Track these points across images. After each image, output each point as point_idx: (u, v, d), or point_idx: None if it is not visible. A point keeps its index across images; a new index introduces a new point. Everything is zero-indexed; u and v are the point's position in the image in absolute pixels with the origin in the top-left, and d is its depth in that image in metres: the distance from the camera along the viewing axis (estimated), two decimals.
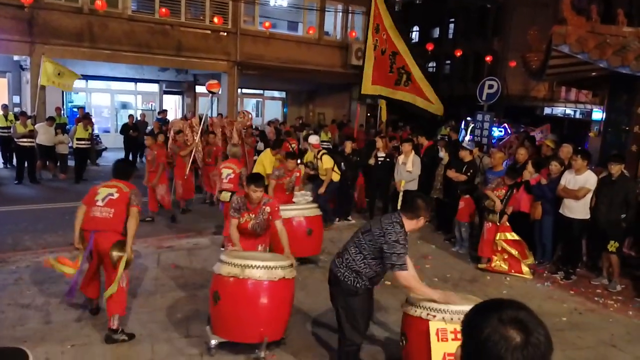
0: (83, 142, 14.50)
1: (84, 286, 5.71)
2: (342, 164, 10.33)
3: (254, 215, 5.75)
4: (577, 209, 7.73)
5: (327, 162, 10.05)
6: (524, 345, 1.32)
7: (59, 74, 15.62)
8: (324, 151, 10.37)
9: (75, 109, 19.20)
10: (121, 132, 17.15)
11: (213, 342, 4.90)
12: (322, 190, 9.81)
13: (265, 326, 4.79)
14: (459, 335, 4.22)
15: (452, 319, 4.06)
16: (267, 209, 5.75)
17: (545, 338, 1.36)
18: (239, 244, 5.61)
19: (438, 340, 4.06)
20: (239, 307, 4.71)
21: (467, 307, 4.41)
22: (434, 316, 4.11)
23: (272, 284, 4.75)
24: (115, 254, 5.18)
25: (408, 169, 9.74)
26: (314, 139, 10.87)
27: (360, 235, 4.42)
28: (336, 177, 10.04)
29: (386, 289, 6.61)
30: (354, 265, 4.36)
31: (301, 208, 7.78)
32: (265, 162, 9.99)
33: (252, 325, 4.75)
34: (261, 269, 4.71)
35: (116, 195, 5.46)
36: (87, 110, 19.06)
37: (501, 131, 19.80)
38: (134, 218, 5.40)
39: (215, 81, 12.25)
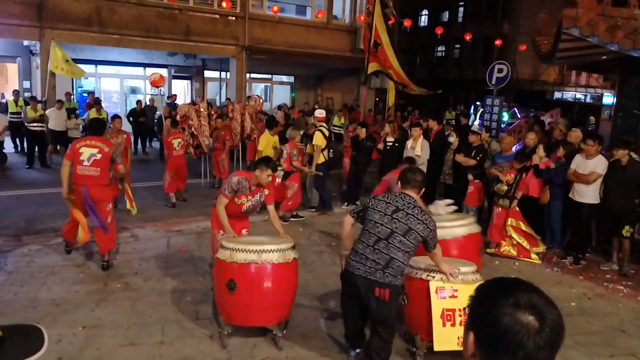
0: None
1: (67, 231, 6.81)
2: (331, 151, 10.18)
3: (251, 197, 5.70)
4: (587, 194, 7.69)
5: (318, 139, 10.00)
6: (541, 329, 1.33)
7: (67, 61, 15.66)
8: (322, 128, 10.25)
9: (85, 94, 19.25)
10: (128, 117, 17.16)
11: (228, 330, 4.97)
12: (312, 169, 9.89)
13: (282, 307, 4.93)
14: (456, 293, 4.51)
15: (449, 279, 4.58)
16: (266, 191, 5.75)
17: (558, 317, 1.36)
18: (230, 228, 5.51)
19: (437, 298, 4.56)
20: (260, 292, 4.76)
21: (462, 269, 4.65)
22: (433, 277, 4.62)
23: (287, 266, 4.87)
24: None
25: (417, 153, 9.72)
26: (319, 112, 10.85)
27: (403, 239, 4.19)
28: (321, 159, 9.97)
29: None
30: (404, 268, 4.33)
31: (459, 224, 6.20)
32: (264, 143, 9.97)
33: (272, 308, 4.85)
34: (276, 252, 4.79)
35: (99, 156, 6.49)
36: (96, 95, 19.10)
37: (511, 115, 19.69)
38: (122, 170, 6.81)
39: (158, 75, 12.29)
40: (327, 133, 10.11)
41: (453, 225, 6.14)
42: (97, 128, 7.00)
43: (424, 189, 4.53)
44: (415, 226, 4.21)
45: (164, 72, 22.88)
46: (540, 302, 1.36)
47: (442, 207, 6.71)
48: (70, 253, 7.07)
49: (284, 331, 5.00)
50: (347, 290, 4.49)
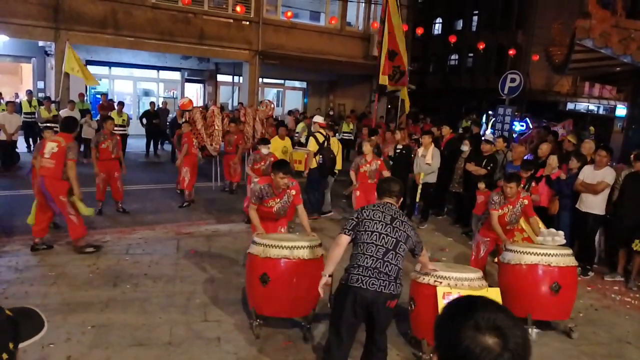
0: (118, 129, 14.53)
1: (38, 231, 7.24)
2: (322, 157, 10.14)
3: (279, 200, 5.92)
4: (594, 204, 7.67)
5: (311, 144, 10.16)
6: (503, 351, 1.28)
7: (81, 65, 15.81)
8: (317, 134, 10.30)
9: (98, 95, 19.39)
10: (140, 119, 17.27)
11: (259, 321, 5.17)
12: (305, 172, 10.10)
13: (312, 300, 5.16)
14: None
15: (456, 284, 4.74)
16: (293, 192, 5.89)
17: (523, 340, 1.31)
18: (261, 227, 5.69)
19: (444, 303, 4.32)
20: (292, 286, 5.03)
21: (469, 275, 4.75)
22: (440, 282, 4.76)
23: (316, 261, 5.10)
24: (71, 199, 7.07)
25: (427, 161, 9.72)
26: (318, 118, 10.95)
27: (405, 247, 4.15)
28: (313, 164, 10.03)
29: None
30: (399, 273, 4.15)
31: (550, 253, 5.60)
32: (273, 147, 10.01)
33: (303, 301, 5.11)
34: (306, 248, 5.08)
35: (56, 150, 7.00)
36: (110, 97, 19.24)
37: (522, 125, 19.62)
38: (70, 169, 7.02)
39: (187, 99, 12.65)
40: (321, 139, 10.16)
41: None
42: (65, 124, 7.70)
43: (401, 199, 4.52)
44: (410, 233, 4.19)
45: (177, 75, 23.06)
46: (504, 323, 1.31)
47: (551, 237, 6.21)
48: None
49: (311, 324, 5.23)
50: (353, 309, 4.06)
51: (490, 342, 1.28)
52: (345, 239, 4.20)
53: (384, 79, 13.86)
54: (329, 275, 4.33)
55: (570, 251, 5.78)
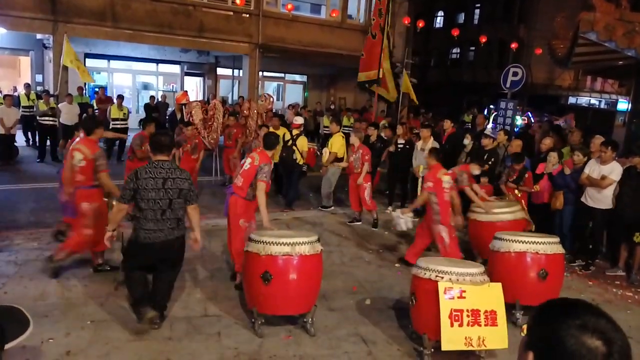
0: (119, 123, 14.52)
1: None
2: (284, 154, 10.30)
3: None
4: (601, 199, 7.63)
5: (303, 144, 10.46)
6: (609, 355, 1.28)
7: (76, 60, 15.68)
8: (288, 132, 10.56)
9: (97, 89, 19.31)
10: (145, 111, 17.23)
11: (261, 321, 5.12)
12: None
13: (314, 295, 5.24)
14: (464, 294, 4.58)
15: (457, 279, 4.68)
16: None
17: (627, 345, 1.31)
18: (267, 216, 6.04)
19: (446, 298, 4.63)
20: (294, 282, 5.01)
21: (470, 270, 4.73)
22: (442, 277, 4.70)
23: (316, 256, 5.15)
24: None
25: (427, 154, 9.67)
26: (297, 119, 11.02)
27: (176, 200, 5.00)
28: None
29: (390, 269, 6.62)
30: (180, 220, 5.15)
31: (538, 241, 5.78)
32: None
33: (305, 297, 5.12)
34: (307, 244, 5.05)
35: (84, 163, 6.20)
36: (108, 91, 19.17)
37: (524, 119, 19.56)
38: (104, 180, 6.25)
39: (182, 92, 12.56)
40: (287, 137, 10.35)
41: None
42: (85, 126, 6.73)
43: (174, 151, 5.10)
44: (183, 185, 5.00)
45: (176, 68, 22.98)
46: (607, 327, 1.32)
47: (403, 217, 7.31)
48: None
49: (313, 318, 5.22)
50: (145, 259, 5.07)
51: (597, 344, 1.29)
52: (123, 207, 5.02)
53: (359, 77, 13.96)
54: (113, 230, 5.10)
55: (557, 239, 5.93)
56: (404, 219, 7.35)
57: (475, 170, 7.46)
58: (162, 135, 5.35)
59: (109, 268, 6.41)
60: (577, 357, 1.28)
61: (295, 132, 10.54)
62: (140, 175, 4.85)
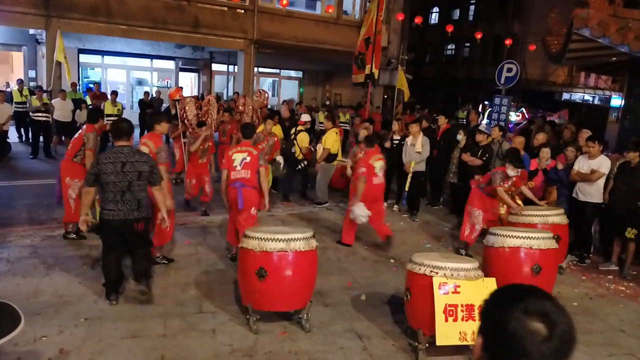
0: (113, 119, 14.39)
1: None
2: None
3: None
4: (592, 193, 7.69)
5: (303, 140, 10.47)
6: (550, 337, 1.29)
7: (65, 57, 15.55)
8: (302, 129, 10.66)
9: (91, 85, 19.21)
10: (140, 107, 17.18)
11: (256, 317, 5.12)
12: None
13: (309, 291, 5.23)
14: (459, 289, 4.58)
15: (452, 275, 4.71)
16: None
17: (569, 328, 1.32)
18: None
19: (440, 293, 4.66)
20: (290, 278, 5.01)
21: (465, 265, 4.75)
22: (437, 273, 4.72)
23: (312, 252, 5.16)
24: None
25: (417, 149, 9.66)
26: (304, 117, 11.15)
27: (136, 182, 5.34)
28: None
29: (385, 265, 6.62)
30: (141, 202, 5.44)
31: (532, 236, 5.77)
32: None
33: (300, 293, 5.12)
34: (302, 240, 5.05)
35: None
36: (101, 87, 19.07)
37: (518, 115, 19.59)
38: (162, 172, 6.27)
39: (175, 88, 12.56)
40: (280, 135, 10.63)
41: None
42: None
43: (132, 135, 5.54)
44: (143, 168, 5.36)
45: (171, 64, 22.90)
46: (552, 310, 1.33)
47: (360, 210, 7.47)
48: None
49: (308, 314, 5.22)
50: (111, 233, 5.43)
51: (538, 326, 1.30)
52: (89, 189, 5.39)
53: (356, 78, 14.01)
54: (86, 214, 5.44)
55: (550, 234, 5.92)
56: (360, 213, 7.49)
57: (511, 171, 7.33)
58: (122, 122, 5.68)
59: (166, 262, 6.75)
60: (517, 338, 1.30)
61: (299, 128, 10.63)
62: (101, 161, 5.28)
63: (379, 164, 7.77)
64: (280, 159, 9.80)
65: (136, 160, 5.34)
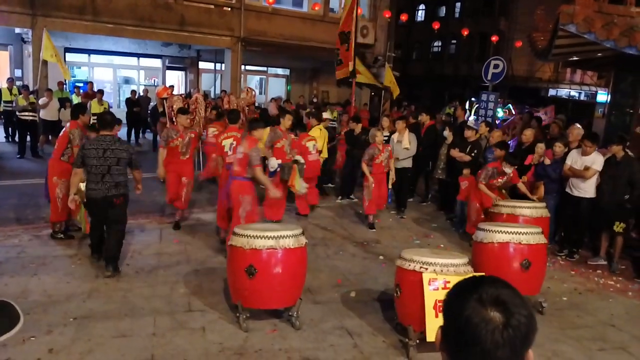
0: None
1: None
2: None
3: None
4: (587, 189, 7.74)
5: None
6: (504, 327, 1.27)
7: (55, 55, 15.41)
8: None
9: (80, 84, 19.05)
10: (127, 105, 17.08)
11: (246, 315, 5.12)
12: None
13: (298, 288, 5.24)
14: (449, 285, 4.53)
15: (442, 270, 4.73)
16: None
17: (527, 319, 1.29)
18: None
19: (430, 289, 4.67)
20: (279, 275, 5.00)
21: (454, 261, 4.77)
22: (426, 269, 4.73)
23: (301, 249, 5.15)
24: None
25: (405, 146, 9.68)
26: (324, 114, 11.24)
27: (115, 167, 6.08)
28: None
29: (374, 261, 6.65)
30: (119, 182, 6.17)
31: (521, 231, 5.81)
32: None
33: (290, 290, 5.11)
34: (291, 238, 5.04)
35: (241, 155, 6.85)
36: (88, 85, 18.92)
37: (505, 112, 19.68)
38: (257, 174, 6.83)
39: (162, 87, 12.57)
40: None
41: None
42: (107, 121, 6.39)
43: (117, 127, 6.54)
44: (122, 155, 6.13)
45: (157, 62, 22.79)
46: (509, 300, 1.30)
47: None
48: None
49: (298, 312, 5.22)
50: (95, 210, 6.30)
51: (492, 315, 1.28)
52: (77, 171, 6.20)
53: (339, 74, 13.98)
54: (75, 194, 6.25)
55: (540, 229, 5.93)
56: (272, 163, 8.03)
57: (507, 168, 7.56)
58: (107, 114, 6.68)
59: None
60: (472, 326, 1.28)
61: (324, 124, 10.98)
62: (86, 146, 6.12)
63: (311, 144, 9.40)
64: (300, 158, 9.50)
65: (116, 148, 6.11)
